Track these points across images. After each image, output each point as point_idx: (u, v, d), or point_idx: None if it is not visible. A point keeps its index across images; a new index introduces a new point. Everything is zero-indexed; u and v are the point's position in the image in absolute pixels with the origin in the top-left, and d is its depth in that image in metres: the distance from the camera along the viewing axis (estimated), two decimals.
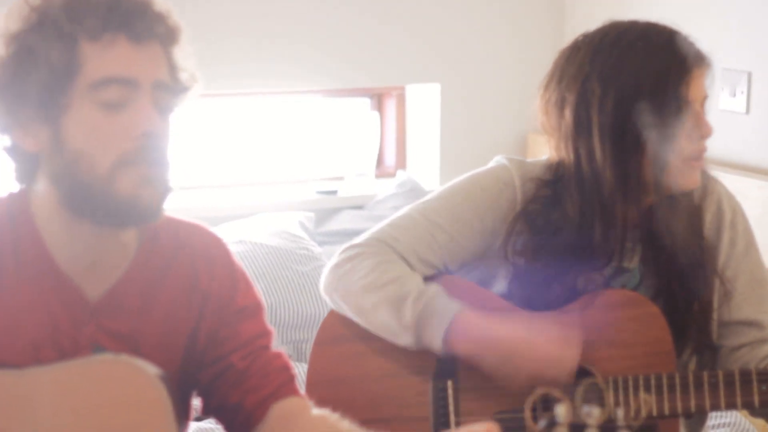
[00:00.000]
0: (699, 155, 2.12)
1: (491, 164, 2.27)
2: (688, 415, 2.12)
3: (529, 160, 2.27)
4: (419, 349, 2.09)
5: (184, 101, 1.82)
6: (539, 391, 1.98)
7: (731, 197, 2.25)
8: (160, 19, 1.75)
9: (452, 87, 4.56)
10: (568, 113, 2.13)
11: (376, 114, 4.67)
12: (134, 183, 1.70)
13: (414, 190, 4.34)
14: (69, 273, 1.79)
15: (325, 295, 2.20)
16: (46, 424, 1.71)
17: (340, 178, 4.61)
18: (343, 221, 4.34)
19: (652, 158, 2.09)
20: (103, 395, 1.73)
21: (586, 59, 2.12)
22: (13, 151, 1.77)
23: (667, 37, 2.11)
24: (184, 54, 1.80)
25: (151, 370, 1.74)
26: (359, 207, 4.43)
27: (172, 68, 1.78)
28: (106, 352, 1.78)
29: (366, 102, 4.71)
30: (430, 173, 4.63)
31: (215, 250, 1.93)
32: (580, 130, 2.12)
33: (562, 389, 2.04)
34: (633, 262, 2.20)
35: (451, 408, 2.11)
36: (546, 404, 2.06)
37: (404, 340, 2.09)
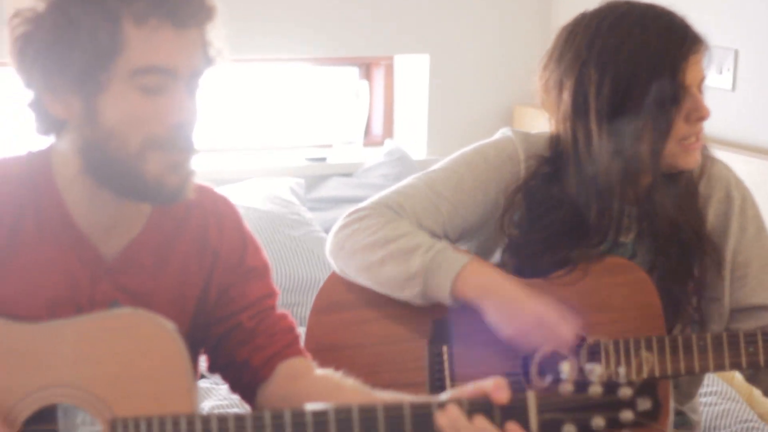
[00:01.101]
0: (696, 136, 2.16)
1: (497, 136, 2.30)
2: (677, 376, 2.16)
3: (533, 132, 2.30)
4: (423, 299, 2.14)
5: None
6: (546, 349, 2.04)
7: (740, 182, 2.29)
8: (201, 2, 1.76)
9: (441, 58, 4.58)
10: (566, 96, 2.17)
11: (366, 83, 4.70)
12: (162, 167, 1.74)
13: (402, 159, 4.39)
14: (87, 233, 1.83)
15: (330, 257, 2.24)
16: (65, 375, 1.75)
17: (329, 146, 4.64)
18: (332, 188, 4.38)
19: (648, 142, 2.12)
20: (122, 346, 1.76)
21: (583, 43, 2.15)
22: (37, 109, 1.79)
23: (664, 22, 2.14)
24: (216, 31, 1.81)
25: (168, 324, 1.78)
26: (348, 174, 4.47)
27: (205, 47, 1.80)
28: (123, 306, 1.83)
29: (354, 71, 4.73)
30: (417, 143, 4.67)
31: (225, 211, 1.97)
32: (577, 112, 2.15)
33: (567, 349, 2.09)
34: (628, 238, 2.25)
35: (447, 372, 2.16)
36: (546, 367, 2.11)
37: (411, 290, 2.13)
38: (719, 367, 2.14)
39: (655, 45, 2.11)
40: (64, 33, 1.70)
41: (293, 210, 4.04)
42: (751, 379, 2.32)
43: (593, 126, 2.13)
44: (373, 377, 1.93)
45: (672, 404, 2.20)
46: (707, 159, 2.26)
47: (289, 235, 3.86)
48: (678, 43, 2.11)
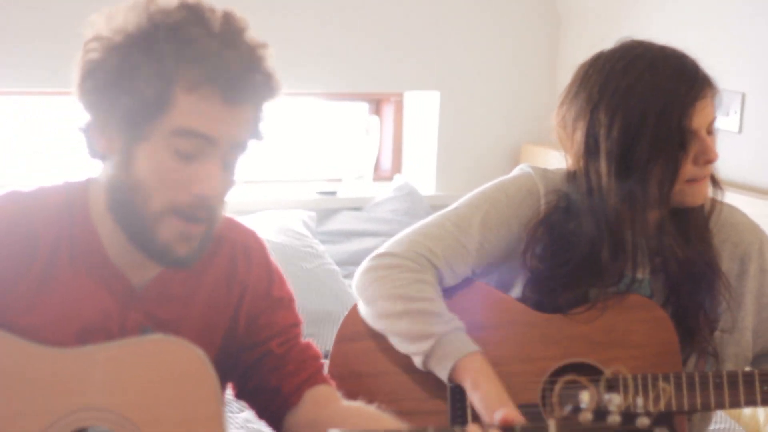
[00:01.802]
0: (703, 177, 2.20)
1: (515, 172, 2.35)
2: (693, 412, 2.20)
3: (551, 169, 2.35)
4: (424, 360, 2.19)
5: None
6: (567, 378, 2.05)
7: (756, 227, 2.33)
8: (264, 81, 1.79)
9: (451, 95, 4.65)
10: (578, 135, 2.21)
11: (376, 119, 4.75)
12: (173, 235, 1.77)
13: (411, 194, 4.45)
14: (118, 264, 1.87)
15: (355, 292, 2.28)
16: (96, 399, 1.78)
17: (338, 180, 4.69)
18: (342, 221, 4.43)
19: (656, 183, 2.17)
20: (153, 371, 1.79)
21: (597, 85, 2.19)
22: (86, 136, 1.82)
23: (675, 66, 2.18)
24: (271, 105, 1.83)
25: (198, 350, 1.82)
26: (358, 208, 4.52)
27: (256, 122, 1.82)
28: (154, 332, 1.86)
29: (365, 107, 4.79)
30: (425, 178, 4.72)
31: (252, 244, 2.02)
32: (589, 152, 2.20)
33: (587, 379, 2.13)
34: (644, 273, 2.29)
35: (468, 402, 2.18)
36: (566, 397, 2.15)
37: (418, 347, 2.18)
38: (735, 404, 2.18)
39: (664, 89, 2.15)
40: (124, 74, 1.73)
41: (306, 243, 4.08)
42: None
43: (603, 166, 2.18)
44: (394, 405, 1.97)
45: None
46: (719, 202, 2.30)
47: (302, 267, 3.90)
48: (687, 87, 2.15)
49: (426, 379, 2.22)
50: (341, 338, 2.30)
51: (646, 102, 2.14)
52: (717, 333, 2.29)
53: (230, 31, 1.76)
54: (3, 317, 1.81)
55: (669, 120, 2.14)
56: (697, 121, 2.16)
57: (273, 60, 1.81)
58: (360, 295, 2.27)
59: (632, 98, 2.15)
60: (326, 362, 2.13)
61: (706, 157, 2.17)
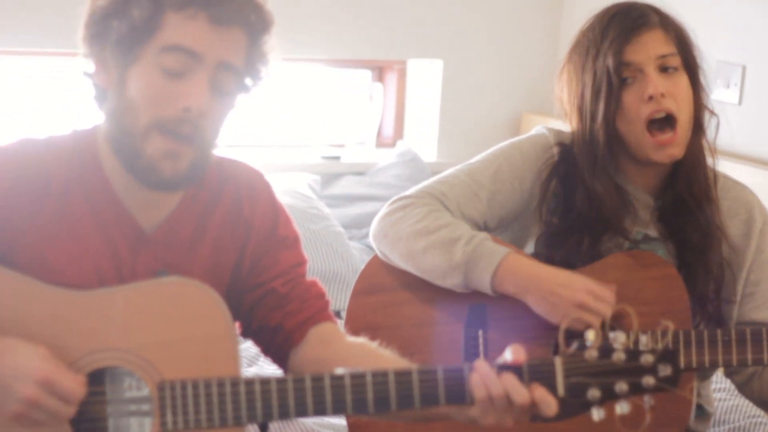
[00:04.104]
0: (651, 116, 2.24)
1: (532, 132, 2.42)
2: (702, 369, 2.26)
3: (566, 131, 2.41)
4: (465, 288, 2.22)
5: (255, 87, 1.91)
6: (572, 316, 2.09)
7: (763, 208, 2.39)
8: (253, 7, 1.84)
9: (454, 63, 4.67)
10: (564, 95, 2.35)
11: (380, 86, 4.78)
12: (159, 151, 1.81)
13: (414, 160, 4.49)
14: (128, 207, 1.91)
15: (373, 242, 2.32)
16: (116, 340, 1.81)
17: (342, 146, 4.73)
18: (346, 186, 4.46)
19: (603, 120, 2.26)
20: (170, 312, 1.83)
21: (571, 48, 2.34)
22: (90, 78, 1.89)
23: (617, 10, 2.29)
24: (269, 44, 1.88)
25: (213, 291, 1.85)
26: (361, 173, 4.55)
27: (253, 56, 1.87)
28: (170, 275, 1.89)
29: (368, 74, 4.81)
30: (427, 145, 4.75)
31: (258, 183, 2.05)
32: (572, 109, 2.32)
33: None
34: (655, 231, 2.35)
35: (482, 356, 2.24)
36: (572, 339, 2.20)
37: (452, 279, 2.22)
38: (742, 363, 2.22)
39: (604, 31, 2.26)
40: (118, 6, 1.81)
41: (312, 204, 4.11)
42: (742, 388, 2.42)
43: (582, 119, 2.30)
44: (409, 358, 1.99)
45: (695, 398, 2.32)
46: (729, 180, 2.38)
47: (309, 229, 3.92)
48: (623, 24, 2.25)
49: (442, 331, 2.27)
50: (358, 292, 2.33)
51: (592, 47, 2.26)
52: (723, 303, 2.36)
53: None
54: (28, 255, 1.86)
55: (606, 57, 2.23)
56: (635, 56, 2.24)
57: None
58: (380, 241, 2.30)
59: (583, 48, 2.28)
60: (341, 323, 2.16)
61: (647, 92, 2.23)
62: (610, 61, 2.23)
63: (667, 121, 2.25)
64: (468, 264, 2.20)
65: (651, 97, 2.23)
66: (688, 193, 2.31)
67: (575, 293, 2.15)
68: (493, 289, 2.20)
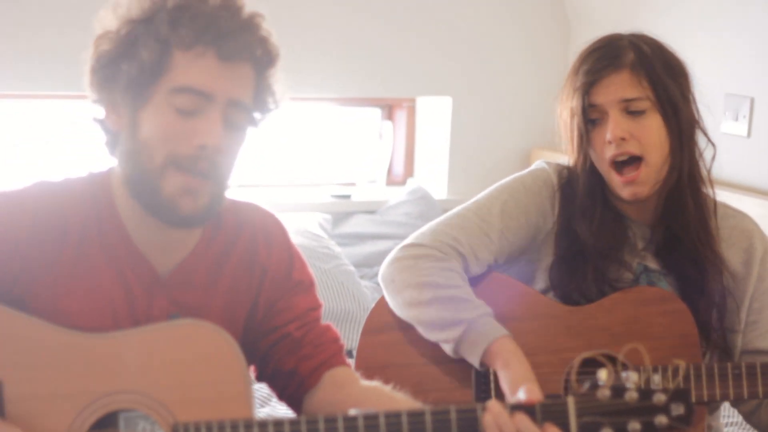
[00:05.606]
0: (614, 158, 2.26)
1: (532, 167, 2.44)
2: (713, 402, 2.26)
3: (565, 165, 2.43)
4: (455, 347, 2.23)
5: (264, 120, 1.93)
6: (585, 355, 2.10)
7: (764, 236, 2.40)
8: (259, 42, 1.86)
9: (463, 100, 4.70)
10: (563, 122, 2.37)
11: (389, 124, 4.81)
12: (177, 188, 1.83)
13: (424, 198, 4.51)
14: (143, 250, 1.92)
15: (382, 284, 2.33)
16: (130, 382, 1.82)
17: (352, 184, 4.75)
18: (356, 224, 4.48)
19: (594, 157, 2.30)
20: (184, 355, 1.85)
21: (568, 72, 2.36)
22: (100, 123, 1.91)
23: (595, 47, 2.32)
24: (276, 77, 1.91)
25: (226, 333, 1.86)
26: (371, 212, 4.57)
27: (260, 90, 1.89)
28: (183, 318, 1.91)
29: (377, 112, 4.84)
30: (437, 183, 4.77)
31: (273, 228, 2.06)
32: (568, 135, 2.35)
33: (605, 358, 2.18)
34: (654, 263, 2.36)
35: (493, 393, 2.24)
36: (585, 377, 2.21)
37: (449, 334, 2.23)
38: (753, 395, 2.24)
39: (578, 71, 2.30)
40: (126, 49, 1.83)
41: (323, 243, 4.12)
42: (749, 417, 2.41)
43: (575, 150, 2.34)
44: (420, 396, 2.00)
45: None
46: (729, 209, 2.39)
47: (320, 268, 3.93)
48: (593, 66, 2.28)
49: (452, 369, 2.27)
50: (368, 330, 2.34)
51: (568, 85, 2.31)
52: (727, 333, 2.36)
53: (227, 4, 1.84)
54: (44, 301, 1.87)
55: (575, 97, 2.28)
56: (599, 98, 2.27)
57: (270, 29, 1.88)
58: (387, 285, 2.31)
59: (566, 85, 2.32)
60: (351, 362, 2.17)
61: (607, 136, 2.26)
62: (577, 103, 2.28)
63: (633, 161, 2.27)
64: (471, 324, 2.21)
65: (610, 142, 2.26)
66: (678, 226, 2.33)
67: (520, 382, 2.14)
68: (481, 356, 2.21)
